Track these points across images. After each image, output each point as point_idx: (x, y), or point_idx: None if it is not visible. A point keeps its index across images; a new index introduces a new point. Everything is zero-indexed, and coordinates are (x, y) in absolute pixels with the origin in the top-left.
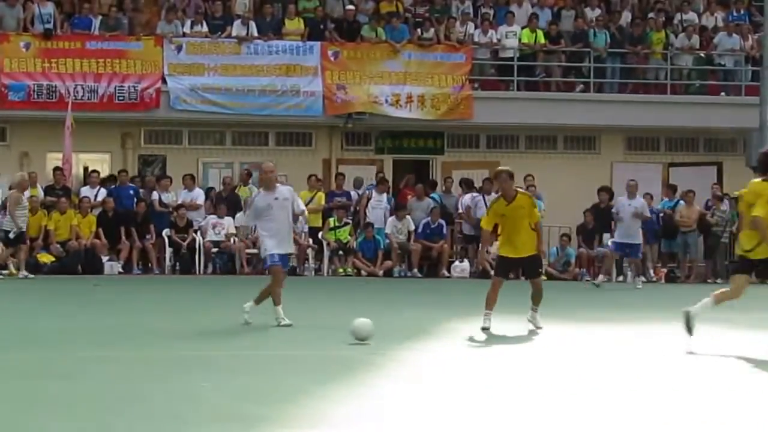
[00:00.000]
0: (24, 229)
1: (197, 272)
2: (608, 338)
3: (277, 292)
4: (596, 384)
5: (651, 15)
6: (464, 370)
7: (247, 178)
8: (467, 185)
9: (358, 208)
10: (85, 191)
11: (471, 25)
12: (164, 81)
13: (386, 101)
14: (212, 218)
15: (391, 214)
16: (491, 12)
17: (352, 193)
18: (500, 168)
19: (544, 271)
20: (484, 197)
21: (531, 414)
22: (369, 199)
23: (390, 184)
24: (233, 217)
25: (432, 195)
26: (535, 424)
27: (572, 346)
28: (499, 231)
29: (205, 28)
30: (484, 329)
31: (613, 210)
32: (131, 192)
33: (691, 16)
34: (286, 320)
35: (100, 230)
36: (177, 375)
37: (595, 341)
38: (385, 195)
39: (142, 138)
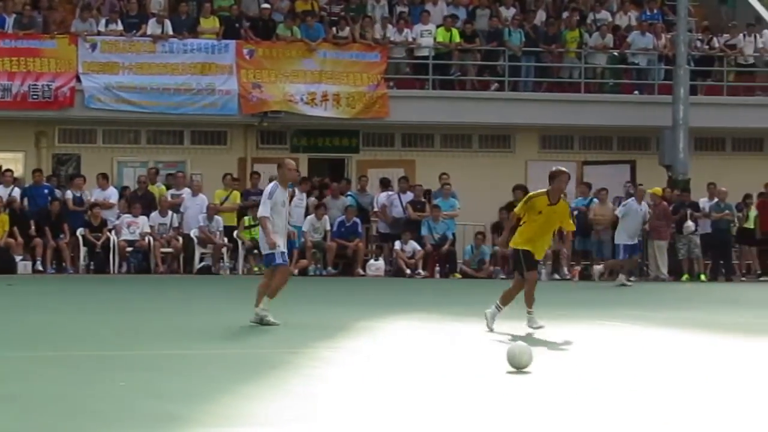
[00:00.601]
0: None
1: (111, 271)
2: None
3: (280, 288)
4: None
5: (565, 14)
6: (382, 369)
7: (155, 176)
8: (384, 184)
9: None
10: None
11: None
12: (78, 79)
13: (301, 100)
14: (127, 217)
15: (308, 213)
16: (406, 10)
17: None
18: (562, 169)
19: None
20: (399, 196)
21: (452, 413)
22: (292, 198)
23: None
24: (148, 216)
25: (348, 193)
26: (452, 424)
27: (491, 342)
28: (521, 224)
29: (120, 27)
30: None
31: (619, 213)
32: (46, 191)
33: (605, 15)
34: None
35: (15, 229)
36: (96, 375)
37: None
38: (305, 194)
39: (57, 137)
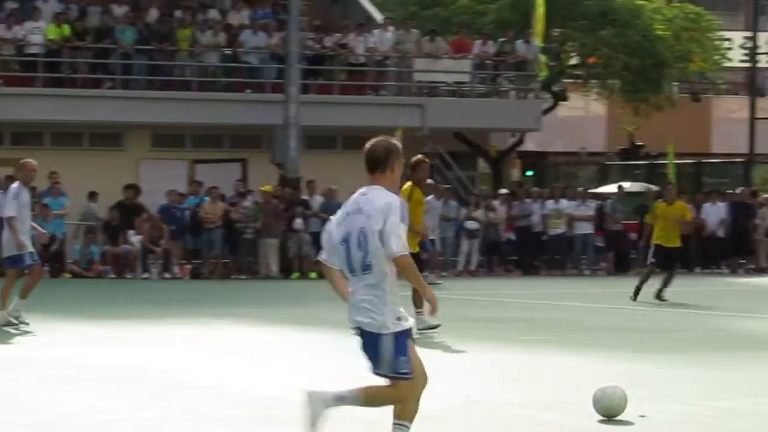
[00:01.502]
0: None
1: None
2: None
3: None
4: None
5: (178, 12)
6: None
7: None
8: None
9: None
10: None
11: None
12: None
13: None
14: None
15: None
16: (17, 6)
17: None
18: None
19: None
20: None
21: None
22: None
23: None
24: None
25: None
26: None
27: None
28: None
29: None
30: None
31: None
32: None
33: (215, 14)
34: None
35: None
36: None
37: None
38: None
39: None
